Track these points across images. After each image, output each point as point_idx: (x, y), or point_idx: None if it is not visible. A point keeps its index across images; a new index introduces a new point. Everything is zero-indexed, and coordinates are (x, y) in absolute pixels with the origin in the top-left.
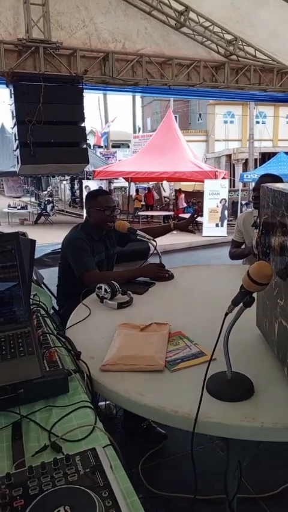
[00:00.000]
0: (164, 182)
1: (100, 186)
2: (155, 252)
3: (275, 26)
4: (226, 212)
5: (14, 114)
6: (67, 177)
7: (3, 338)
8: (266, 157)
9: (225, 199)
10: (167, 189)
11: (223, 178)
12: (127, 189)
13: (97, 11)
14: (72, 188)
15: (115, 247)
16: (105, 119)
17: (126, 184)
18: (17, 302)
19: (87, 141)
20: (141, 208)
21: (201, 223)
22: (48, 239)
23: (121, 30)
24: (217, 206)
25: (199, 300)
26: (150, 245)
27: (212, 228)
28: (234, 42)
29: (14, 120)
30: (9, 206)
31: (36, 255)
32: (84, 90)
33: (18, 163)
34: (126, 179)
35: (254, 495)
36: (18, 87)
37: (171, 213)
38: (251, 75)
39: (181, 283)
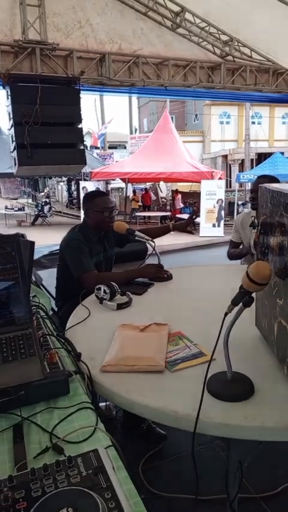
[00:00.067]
0: (161, 183)
1: (97, 187)
2: (154, 252)
3: (271, 26)
4: (223, 212)
5: (11, 116)
6: (64, 179)
7: (4, 340)
8: (262, 157)
9: (221, 199)
10: (164, 190)
11: (219, 178)
12: (124, 190)
13: (93, 12)
14: (69, 189)
15: (113, 248)
16: (101, 120)
17: (123, 185)
18: (17, 304)
19: (84, 142)
20: (138, 209)
21: (198, 224)
22: (46, 240)
23: (117, 31)
24: (214, 206)
25: (198, 300)
26: (148, 246)
27: (209, 228)
28: (230, 42)
29: (11, 121)
30: (6, 208)
31: (34, 257)
32: (81, 91)
33: (15, 164)
34: (123, 180)
35: (254, 495)
36: (15, 88)
37: (169, 213)
38: (247, 75)
39: (180, 284)
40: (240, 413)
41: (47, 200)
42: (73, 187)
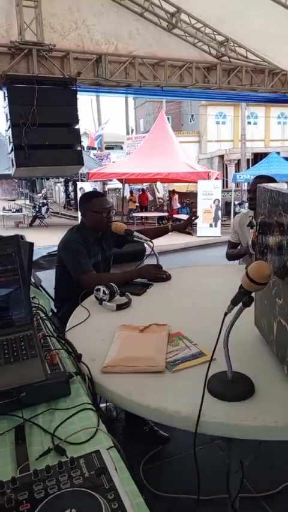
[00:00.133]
0: (158, 183)
1: (94, 188)
2: (152, 253)
3: (266, 26)
4: (220, 212)
5: (8, 117)
6: (61, 179)
7: (5, 341)
8: (258, 157)
9: (218, 199)
10: (161, 190)
11: (216, 178)
12: (121, 190)
13: (89, 13)
14: (66, 190)
15: (111, 249)
16: (98, 121)
17: (120, 185)
18: (18, 305)
19: (81, 143)
20: (135, 209)
21: (196, 224)
22: (44, 242)
23: (113, 32)
24: (211, 207)
25: (197, 300)
26: (146, 246)
27: (206, 228)
28: (226, 43)
29: (8, 122)
30: (3, 209)
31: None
32: (78, 92)
33: (12, 166)
34: (120, 180)
35: (255, 494)
36: (12, 89)
37: (166, 213)
38: (242, 76)
39: (178, 284)
40: (241, 413)
41: (45, 201)
42: (70, 188)
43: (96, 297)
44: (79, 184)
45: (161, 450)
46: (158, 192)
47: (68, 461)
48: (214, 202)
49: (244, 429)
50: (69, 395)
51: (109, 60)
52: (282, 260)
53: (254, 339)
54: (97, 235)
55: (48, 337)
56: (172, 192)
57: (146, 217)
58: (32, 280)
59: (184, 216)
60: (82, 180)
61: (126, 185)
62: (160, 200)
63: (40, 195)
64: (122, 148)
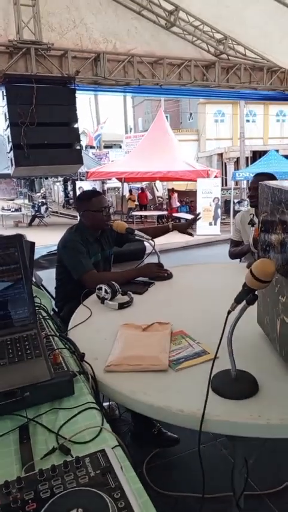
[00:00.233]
0: (157, 182)
1: (94, 187)
2: (153, 251)
3: (264, 24)
4: (219, 211)
5: (7, 116)
6: (60, 179)
7: (9, 341)
8: (257, 155)
9: (218, 198)
10: (160, 189)
11: (215, 177)
12: (120, 189)
13: (87, 11)
14: (65, 189)
15: (111, 248)
16: (96, 120)
17: (119, 184)
18: (21, 305)
19: (80, 142)
20: (135, 208)
21: (194, 217)
22: (44, 241)
23: (112, 31)
24: (210, 205)
25: (199, 299)
26: (146, 245)
27: (206, 226)
28: (224, 41)
29: (7, 122)
30: (3, 209)
31: None
32: (76, 91)
33: (12, 165)
34: (119, 179)
35: (258, 492)
36: (10, 89)
37: (165, 212)
38: (241, 73)
39: (180, 282)
40: (246, 411)
41: (44, 201)
42: (69, 188)
43: (98, 296)
44: (78, 184)
45: (164, 449)
46: (157, 190)
47: (74, 460)
48: (213, 201)
49: (248, 427)
50: (73, 395)
51: (108, 59)
52: (286, 258)
53: (256, 336)
54: (96, 234)
55: (50, 337)
56: (171, 191)
57: (146, 216)
58: (33, 279)
59: (184, 215)
60: (81, 179)
61: (126, 184)
62: (159, 199)
63: (39, 194)
64: (120, 147)
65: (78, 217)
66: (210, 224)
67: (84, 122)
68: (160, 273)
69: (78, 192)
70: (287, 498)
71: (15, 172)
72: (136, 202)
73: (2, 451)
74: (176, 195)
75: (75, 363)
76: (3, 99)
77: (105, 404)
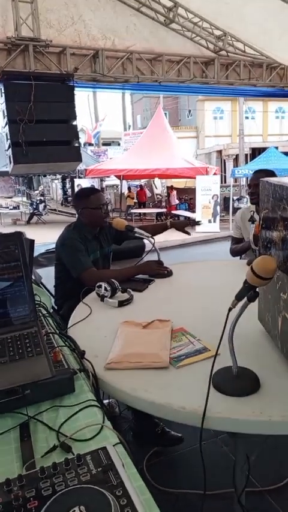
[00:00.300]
0: (156, 179)
1: (92, 185)
2: (153, 249)
3: (263, 20)
4: (218, 208)
5: (5, 114)
6: (58, 176)
7: (9, 339)
8: (256, 152)
9: (217, 195)
10: (159, 186)
11: (214, 174)
12: (119, 187)
13: (86, 8)
14: (63, 187)
15: (110, 246)
16: (95, 117)
17: (118, 182)
18: (22, 302)
19: (79, 139)
20: (133, 205)
21: (194, 220)
22: (42, 239)
23: (110, 27)
24: (209, 202)
25: (199, 296)
26: (146, 243)
27: (205, 224)
28: (223, 37)
29: (5, 119)
30: (1, 206)
31: None
32: (75, 88)
33: (10, 163)
34: (118, 177)
35: (259, 488)
36: (9, 86)
37: (164, 210)
38: (240, 70)
39: (180, 280)
40: (247, 408)
41: (42, 198)
42: (68, 185)
43: (97, 293)
44: (77, 181)
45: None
46: (156, 188)
47: (75, 458)
48: (213, 198)
49: (250, 424)
50: (73, 392)
51: (106, 56)
52: (287, 254)
53: (257, 333)
54: (95, 231)
55: (50, 334)
56: (170, 188)
57: (144, 214)
58: (33, 277)
59: (183, 212)
60: (79, 177)
61: (124, 181)
62: (158, 196)
63: (37, 192)
64: (119, 144)
65: (77, 215)
66: (210, 221)
67: (83, 119)
68: (160, 271)
69: (76, 190)
70: None
71: (13, 169)
72: (135, 200)
73: (3, 449)
74: (175, 192)
75: (75, 360)
76: (1, 96)
77: (105, 401)
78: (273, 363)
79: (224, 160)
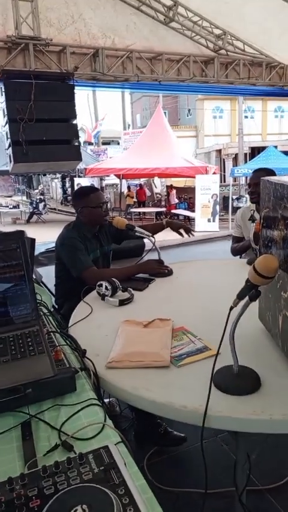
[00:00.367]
0: (156, 178)
1: (92, 184)
2: (153, 248)
3: (263, 19)
4: (218, 207)
5: (5, 113)
6: (58, 175)
7: (11, 338)
8: (255, 151)
9: (216, 194)
10: (159, 185)
11: (214, 173)
12: (118, 186)
13: (86, 6)
14: (63, 186)
15: (110, 244)
16: (95, 116)
17: (117, 181)
18: (23, 301)
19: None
20: (133, 205)
21: (193, 219)
22: (42, 238)
23: (110, 26)
24: (208, 201)
25: (199, 295)
26: (145, 242)
27: (204, 223)
28: (223, 36)
29: (5, 118)
30: (0, 205)
31: None
32: (75, 87)
33: (10, 161)
34: (118, 176)
35: (259, 487)
36: (9, 84)
37: (164, 209)
38: (240, 69)
39: (180, 279)
40: (248, 407)
41: (42, 197)
42: (67, 184)
43: (98, 292)
44: (76, 180)
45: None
46: (156, 187)
47: (77, 457)
48: (212, 197)
49: (251, 423)
50: (74, 391)
51: (106, 55)
52: None
53: (258, 332)
54: (95, 230)
55: (52, 333)
56: (170, 187)
57: (144, 213)
58: (33, 276)
59: (182, 212)
60: (79, 176)
61: (124, 181)
62: (158, 195)
63: (37, 191)
64: (118, 143)
65: (76, 214)
66: (209, 221)
67: (83, 118)
68: (160, 270)
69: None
70: None
71: (13, 168)
72: (134, 199)
73: (5, 448)
74: (174, 191)
75: (76, 359)
76: (2, 95)
77: (106, 400)
78: (274, 361)
79: (224, 159)
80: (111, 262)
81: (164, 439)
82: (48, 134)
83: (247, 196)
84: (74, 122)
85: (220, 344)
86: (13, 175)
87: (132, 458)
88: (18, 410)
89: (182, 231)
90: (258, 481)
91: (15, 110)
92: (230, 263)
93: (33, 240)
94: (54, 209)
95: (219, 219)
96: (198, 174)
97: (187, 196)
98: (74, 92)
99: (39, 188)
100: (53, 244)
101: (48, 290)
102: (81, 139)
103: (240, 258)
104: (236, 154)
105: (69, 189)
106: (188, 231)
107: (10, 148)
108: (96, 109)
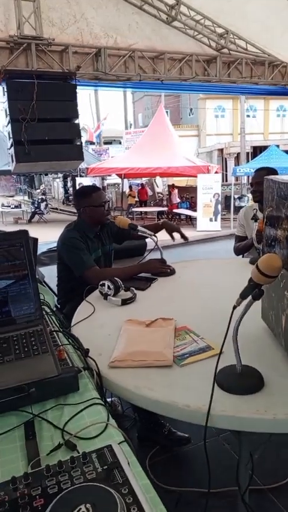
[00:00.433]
0: (157, 178)
1: (94, 183)
2: (155, 247)
3: (266, 18)
4: (219, 206)
5: (8, 112)
6: (60, 175)
7: (15, 337)
8: (257, 150)
9: (218, 193)
10: (160, 185)
11: (216, 172)
12: (120, 185)
13: (88, 6)
14: (65, 186)
15: (112, 243)
16: (97, 116)
17: (119, 180)
18: (27, 300)
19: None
20: (135, 204)
21: (195, 218)
22: (44, 238)
23: (113, 25)
24: (210, 201)
25: (202, 294)
26: (147, 241)
27: (206, 222)
28: (226, 35)
29: (8, 118)
30: (2, 205)
31: None
32: (77, 87)
33: (12, 161)
34: (119, 175)
35: (262, 486)
36: (11, 84)
37: (165, 208)
38: (242, 68)
39: (183, 278)
40: (251, 406)
41: (43, 197)
42: (69, 184)
43: (101, 292)
44: (78, 180)
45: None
46: (158, 186)
47: (80, 456)
48: (214, 197)
49: (255, 422)
50: (77, 391)
51: (108, 54)
52: None
53: (260, 331)
54: (96, 229)
55: (54, 333)
56: (171, 187)
57: (146, 212)
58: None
59: (184, 211)
60: (81, 176)
61: (126, 180)
62: (159, 195)
63: (39, 190)
64: (120, 143)
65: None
66: (211, 220)
67: (85, 118)
68: (163, 269)
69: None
70: None
71: (15, 168)
72: (136, 199)
73: (8, 447)
74: (176, 191)
75: (79, 358)
76: (4, 95)
77: (108, 400)
78: (277, 361)
79: (225, 158)
80: (113, 261)
81: (168, 440)
82: (51, 134)
83: (249, 195)
84: (76, 121)
85: (223, 343)
86: (15, 175)
87: (135, 457)
88: (21, 409)
89: (174, 234)
90: (260, 480)
91: (18, 110)
92: (232, 262)
93: (35, 240)
94: (56, 209)
95: (221, 218)
96: (200, 173)
97: (189, 196)
98: (76, 92)
99: (41, 188)
100: (55, 244)
101: (51, 290)
102: (83, 139)
103: (243, 257)
104: (238, 154)
105: (70, 189)
106: (182, 235)
107: (12, 148)
108: (98, 108)
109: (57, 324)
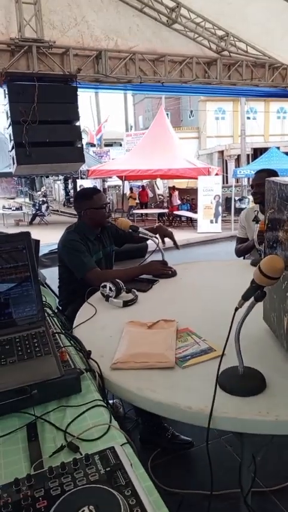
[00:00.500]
0: (158, 180)
1: (94, 185)
2: (157, 249)
3: (266, 20)
4: (220, 208)
5: (9, 115)
6: (61, 177)
7: (18, 339)
8: (257, 152)
9: (218, 195)
10: (161, 187)
11: (216, 174)
12: (121, 187)
13: (89, 9)
14: (66, 188)
15: (112, 245)
16: (97, 118)
17: (120, 182)
18: (30, 302)
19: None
20: (135, 206)
21: (196, 220)
22: (45, 240)
23: (113, 28)
24: (211, 203)
25: (203, 296)
26: (148, 243)
27: (207, 224)
28: (226, 37)
29: (9, 120)
30: (4, 207)
31: None
32: (78, 89)
33: (13, 163)
34: (120, 177)
35: (264, 488)
36: (12, 87)
37: (166, 210)
38: (243, 70)
39: (184, 280)
40: (254, 408)
41: (44, 199)
42: (70, 186)
43: (102, 293)
44: (79, 182)
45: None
46: (158, 188)
47: (83, 458)
48: (214, 198)
49: (257, 424)
50: (79, 392)
51: (109, 56)
52: None
53: (262, 333)
54: (97, 231)
55: (56, 334)
56: (172, 189)
57: (146, 214)
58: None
59: (185, 213)
60: (82, 178)
61: (126, 182)
62: (160, 197)
63: (40, 193)
64: (121, 145)
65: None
66: (212, 222)
67: (85, 120)
68: (164, 271)
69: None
70: None
71: (17, 170)
72: (137, 201)
73: (11, 449)
74: (176, 192)
75: (81, 360)
76: (5, 97)
77: (110, 402)
78: (279, 362)
79: (226, 160)
80: (115, 263)
81: (171, 444)
82: (52, 136)
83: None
84: (77, 123)
85: (225, 345)
86: (16, 177)
87: (138, 459)
88: (23, 411)
89: (166, 239)
90: (262, 482)
91: (19, 112)
92: (234, 264)
93: (37, 242)
94: (57, 211)
95: (222, 220)
96: (200, 175)
97: (189, 198)
98: (76, 94)
99: (42, 190)
100: (56, 246)
101: (52, 292)
102: (84, 141)
103: (244, 259)
104: (239, 156)
105: (71, 191)
106: (174, 243)
107: (13, 150)
108: (99, 111)
109: (59, 326)
